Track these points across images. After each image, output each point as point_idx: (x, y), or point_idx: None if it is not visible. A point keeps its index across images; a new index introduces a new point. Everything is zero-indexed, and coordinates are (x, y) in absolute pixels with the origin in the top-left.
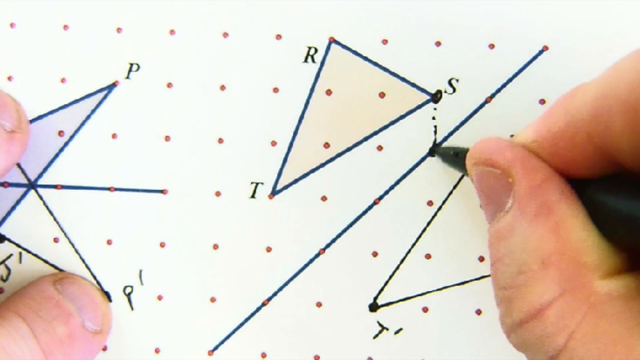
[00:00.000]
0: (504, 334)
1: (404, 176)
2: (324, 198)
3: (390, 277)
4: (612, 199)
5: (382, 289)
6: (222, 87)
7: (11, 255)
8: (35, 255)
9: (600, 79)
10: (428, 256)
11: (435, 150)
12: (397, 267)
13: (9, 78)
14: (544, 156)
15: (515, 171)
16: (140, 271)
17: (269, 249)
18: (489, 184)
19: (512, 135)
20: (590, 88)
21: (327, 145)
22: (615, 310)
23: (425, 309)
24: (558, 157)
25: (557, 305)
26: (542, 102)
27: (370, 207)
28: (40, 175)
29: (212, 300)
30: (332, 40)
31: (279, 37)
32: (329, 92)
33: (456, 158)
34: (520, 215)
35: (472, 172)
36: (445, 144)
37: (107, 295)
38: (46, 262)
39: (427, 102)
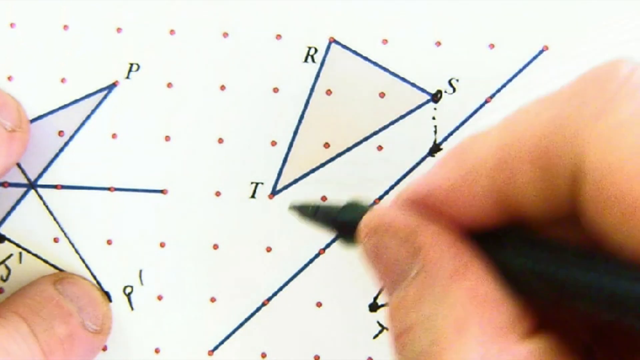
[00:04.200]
0: None
1: (404, 176)
2: (324, 198)
3: None
4: (517, 254)
5: (382, 289)
6: (222, 87)
7: (11, 255)
8: (35, 255)
9: (502, 128)
10: None
11: (291, 207)
12: None
13: (9, 78)
14: (439, 209)
15: (420, 237)
16: (140, 271)
17: (269, 249)
18: (389, 252)
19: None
20: (490, 137)
21: (327, 145)
22: None
23: None
24: (455, 208)
25: None
26: None
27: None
28: (40, 175)
29: (212, 300)
30: (332, 40)
31: (279, 37)
32: (329, 92)
33: (315, 216)
34: (430, 281)
35: (368, 240)
36: (297, 203)
37: (107, 295)
38: (46, 262)
39: (427, 102)
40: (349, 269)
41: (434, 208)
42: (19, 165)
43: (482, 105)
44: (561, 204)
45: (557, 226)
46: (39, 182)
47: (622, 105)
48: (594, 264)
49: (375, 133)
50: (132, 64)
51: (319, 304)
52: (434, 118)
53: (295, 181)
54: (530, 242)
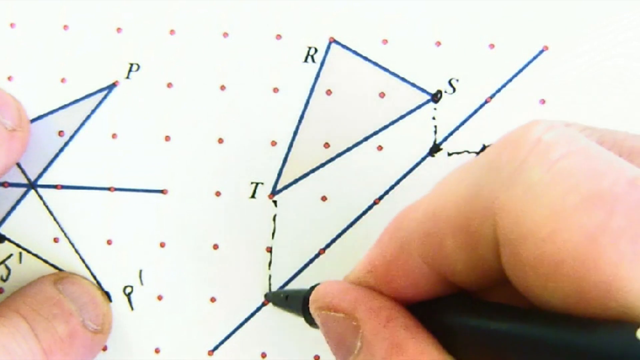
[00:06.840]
0: None
1: (404, 176)
2: (324, 198)
3: None
4: (456, 321)
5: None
6: (222, 87)
7: (11, 255)
8: (35, 255)
9: (428, 199)
10: None
11: (266, 296)
12: None
13: (9, 78)
14: (380, 285)
15: (358, 314)
16: (140, 271)
17: (268, 249)
18: (336, 328)
19: None
20: (418, 209)
21: (327, 145)
22: None
23: None
24: (395, 283)
25: None
26: (542, 102)
27: (370, 207)
28: (40, 175)
29: (212, 300)
30: (332, 40)
31: (279, 37)
32: (329, 92)
33: (286, 301)
34: (371, 358)
35: (317, 317)
36: (270, 292)
37: (107, 295)
38: (46, 262)
39: (427, 102)
40: (349, 269)
41: (375, 285)
42: (19, 165)
43: (482, 105)
44: (491, 270)
45: (500, 289)
46: (39, 182)
47: (530, 170)
48: (528, 322)
49: (375, 133)
50: (132, 64)
51: None
52: (434, 118)
53: (295, 181)
54: (469, 308)
